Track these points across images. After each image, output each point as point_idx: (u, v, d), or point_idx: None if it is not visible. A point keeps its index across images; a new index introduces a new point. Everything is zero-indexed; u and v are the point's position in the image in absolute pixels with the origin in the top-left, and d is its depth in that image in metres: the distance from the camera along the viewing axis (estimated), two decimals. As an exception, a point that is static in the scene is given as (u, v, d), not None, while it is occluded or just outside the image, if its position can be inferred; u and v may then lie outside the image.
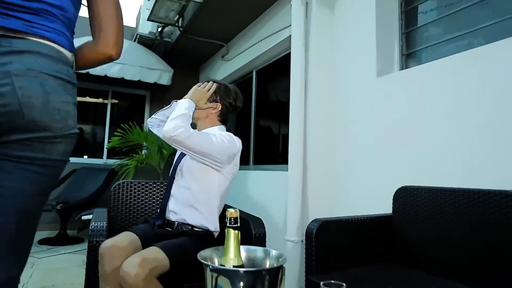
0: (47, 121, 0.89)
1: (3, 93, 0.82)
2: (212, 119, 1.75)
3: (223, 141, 1.56)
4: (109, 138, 5.01)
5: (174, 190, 1.67)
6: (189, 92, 1.70)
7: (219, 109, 1.74)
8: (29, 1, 0.92)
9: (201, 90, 1.70)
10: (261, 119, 4.13)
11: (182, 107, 1.60)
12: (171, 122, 1.52)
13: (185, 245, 1.41)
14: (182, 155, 1.73)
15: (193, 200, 1.58)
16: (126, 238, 1.41)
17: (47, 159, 0.93)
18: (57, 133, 0.93)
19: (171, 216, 1.62)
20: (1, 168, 0.87)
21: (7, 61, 0.84)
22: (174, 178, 1.70)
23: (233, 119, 4.81)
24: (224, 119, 1.79)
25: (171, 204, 1.64)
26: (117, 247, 1.33)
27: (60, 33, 0.98)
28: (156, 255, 1.29)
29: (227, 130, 1.77)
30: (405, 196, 1.75)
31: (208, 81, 1.78)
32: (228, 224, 0.95)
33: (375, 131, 2.21)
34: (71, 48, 1.01)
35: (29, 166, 0.89)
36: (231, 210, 0.96)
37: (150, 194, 1.98)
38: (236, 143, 1.62)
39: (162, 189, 2.00)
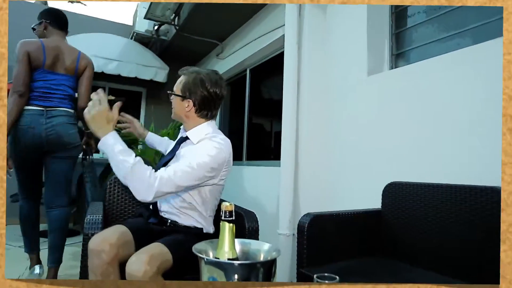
0: (69, 141, 2.27)
1: (53, 132, 2.20)
2: (193, 118, 1.55)
3: (204, 161, 1.38)
4: (105, 134, 5.00)
5: None
6: (89, 124, 1.29)
7: (192, 105, 1.52)
8: (55, 91, 2.24)
9: (96, 114, 1.27)
10: (254, 117, 4.16)
11: (117, 158, 1.29)
12: (130, 187, 1.29)
13: (184, 241, 1.38)
14: (170, 154, 1.61)
15: (183, 205, 1.52)
16: (116, 232, 1.36)
17: (75, 156, 2.39)
18: (72, 145, 2.30)
19: (163, 214, 1.57)
20: (60, 162, 2.29)
21: (52, 119, 2.20)
22: None
23: (227, 117, 4.85)
24: (208, 114, 1.56)
25: (163, 205, 1.57)
26: (107, 241, 1.29)
27: (67, 103, 2.30)
28: (161, 251, 1.26)
29: (218, 128, 1.66)
30: (394, 192, 1.79)
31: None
32: (223, 218, 0.96)
33: (365, 128, 2.26)
34: (72, 107, 2.33)
35: (69, 159, 2.33)
36: (226, 203, 0.97)
37: (146, 190, 1.98)
38: (223, 150, 1.45)
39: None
